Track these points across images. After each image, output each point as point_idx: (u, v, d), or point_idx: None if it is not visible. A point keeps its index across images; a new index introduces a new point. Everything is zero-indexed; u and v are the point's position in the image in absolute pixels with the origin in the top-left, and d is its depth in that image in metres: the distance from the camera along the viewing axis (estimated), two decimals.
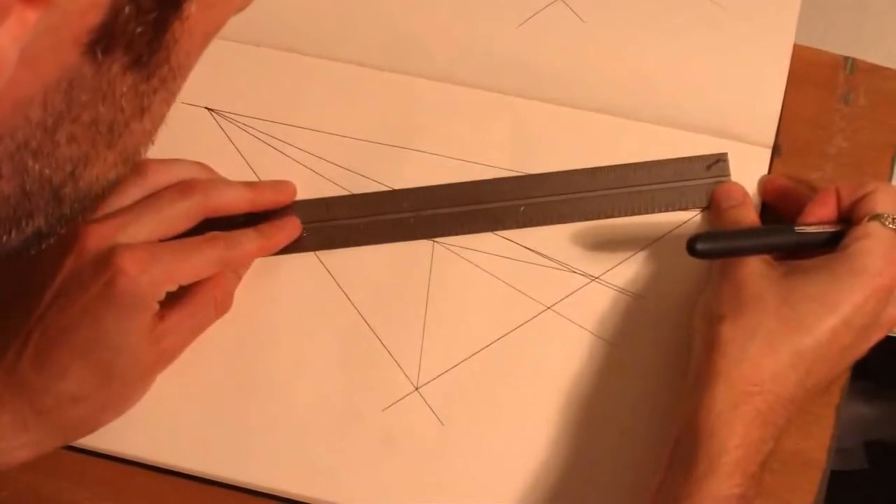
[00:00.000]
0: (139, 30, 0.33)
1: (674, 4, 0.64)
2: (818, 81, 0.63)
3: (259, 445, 0.59)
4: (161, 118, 0.39)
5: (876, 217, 0.54)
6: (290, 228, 0.60)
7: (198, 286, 0.57)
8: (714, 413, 0.52)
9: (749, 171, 0.61)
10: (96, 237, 0.55)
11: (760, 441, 0.52)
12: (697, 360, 0.55)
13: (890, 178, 0.62)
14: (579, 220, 0.61)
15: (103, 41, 0.33)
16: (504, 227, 0.61)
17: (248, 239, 0.58)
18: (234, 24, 0.64)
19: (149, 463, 0.59)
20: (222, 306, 0.59)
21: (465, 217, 0.61)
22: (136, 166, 0.56)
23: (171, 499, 0.59)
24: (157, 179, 0.58)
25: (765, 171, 0.61)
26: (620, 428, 0.58)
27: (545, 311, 0.60)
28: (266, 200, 0.60)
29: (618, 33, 0.63)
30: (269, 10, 0.64)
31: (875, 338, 0.55)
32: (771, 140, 0.62)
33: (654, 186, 0.61)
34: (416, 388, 0.59)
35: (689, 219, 0.61)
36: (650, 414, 0.58)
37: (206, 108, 0.63)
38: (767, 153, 0.62)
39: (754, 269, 0.55)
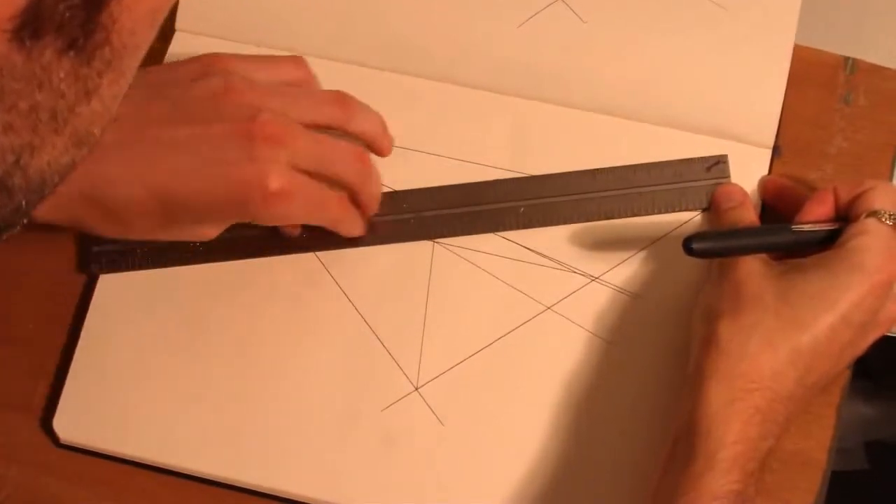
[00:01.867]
0: (68, 13, 0.32)
1: (674, 5, 0.63)
2: (818, 82, 0.63)
3: (259, 445, 0.59)
4: (114, 97, 0.38)
5: (873, 213, 0.54)
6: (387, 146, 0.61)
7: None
8: (711, 410, 0.52)
9: (749, 171, 0.61)
10: (242, 93, 0.56)
11: (759, 438, 0.52)
12: (696, 359, 0.55)
13: (890, 178, 0.62)
14: (579, 221, 0.61)
15: (29, 27, 0.32)
16: (504, 229, 0.61)
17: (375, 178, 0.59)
18: (235, 24, 0.64)
19: (149, 463, 0.59)
20: (345, 213, 0.59)
21: (465, 218, 0.61)
22: (273, 59, 0.60)
23: (171, 499, 0.59)
24: (291, 72, 0.60)
25: (765, 171, 0.61)
26: (620, 428, 0.58)
27: (545, 311, 0.60)
28: (386, 149, 0.61)
29: (618, 33, 0.63)
30: (269, 10, 0.64)
31: (874, 335, 0.55)
32: (771, 140, 0.62)
33: (654, 188, 0.61)
34: (416, 388, 0.59)
35: (690, 219, 0.61)
36: (650, 414, 0.58)
37: None
38: (767, 153, 0.62)
39: (752, 268, 0.55)
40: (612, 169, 0.61)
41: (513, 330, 0.60)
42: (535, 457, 0.58)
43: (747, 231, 0.58)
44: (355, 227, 0.60)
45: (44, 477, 0.60)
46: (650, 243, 0.61)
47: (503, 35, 0.63)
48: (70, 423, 0.59)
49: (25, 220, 0.39)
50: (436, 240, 0.61)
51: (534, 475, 0.58)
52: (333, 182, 0.58)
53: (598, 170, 0.61)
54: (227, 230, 0.59)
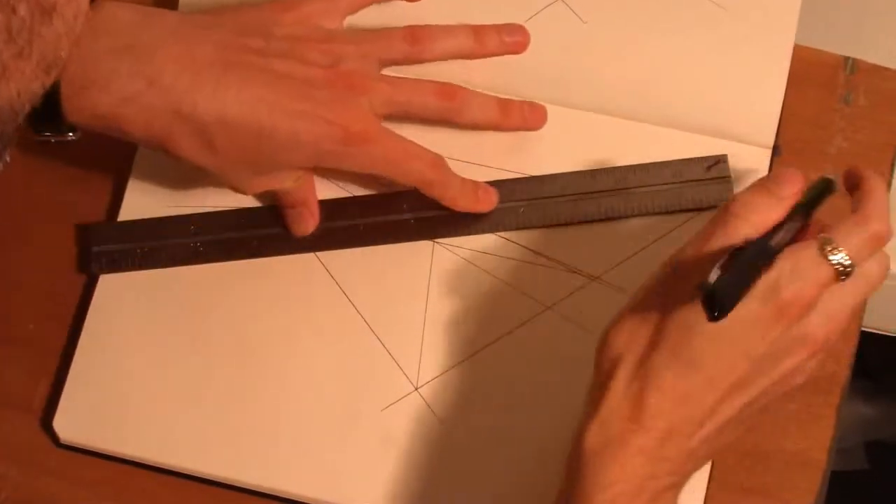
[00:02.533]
0: None
1: (674, 5, 0.64)
2: (818, 82, 0.63)
3: (259, 445, 0.59)
4: (76, 17, 0.37)
5: (823, 241, 0.49)
6: (539, 114, 0.62)
7: None
8: (588, 451, 0.49)
9: (749, 171, 0.61)
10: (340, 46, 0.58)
11: (650, 477, 0.49)
12: (588, 393, 0.52)
13: (890, 178, 0.62)
14: (579, 221, 0.61)
15: None
16: (504, 229, 0.61)
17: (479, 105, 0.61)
18: None
19: (149, 463, 0.59)
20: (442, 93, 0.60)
21: (464, 218, 0.61)
22: None
23: (171, 499, 0.59)
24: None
25: (765, 171, 0.61)
26: None
27: (545, 311, 0.60)
28: (514, 124, 0.61)
29: (618, 33, 0.63)
30: None
31: (780, 387, 0.51)
32: (771, 140, 0.62)
33: (654, 188, 0.61)
34: (416, 388, 0.59)
35: (690, 219, 0.61)
36: None
37: None
38: (767, 153, 0.62)
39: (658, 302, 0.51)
40: (611, 169, 0.61)
41: (513, 330, 0.60)
42: (534, 457, 0.58)
43: (747, 269, 0.49)
44: (449, 191, 0.60)
45: (44, 477, 0.60)
46: (650, 243, 0.61)
47: None
48: (70, 423, 0.59)
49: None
50: (436, 239, 0.61)
51: (533, 475, 0.58)
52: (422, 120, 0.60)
53: (597, 170, 0.61)
54: (232, 229, 0.59)
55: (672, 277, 0.51)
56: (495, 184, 0.61)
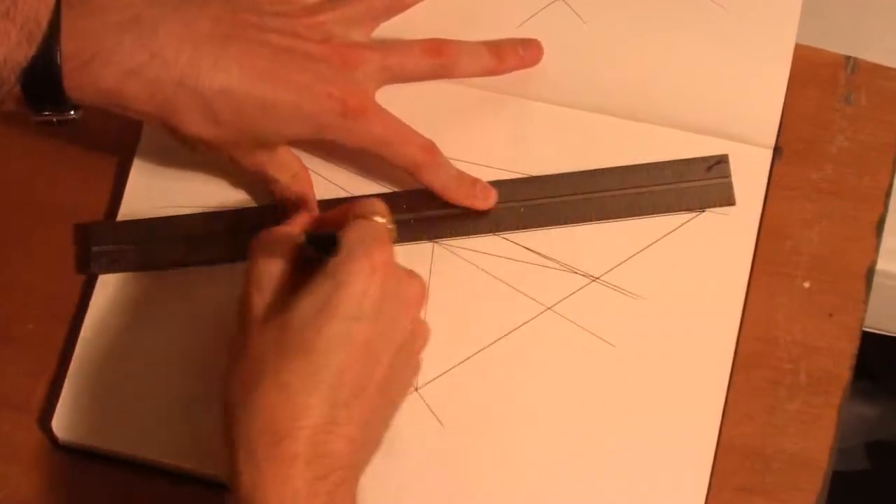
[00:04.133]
0: None
1: (674, 4, 0.63)
2: (819, 81, 0.63)
3: None
4: None
5: (362, 217, 0.53)
6: (534, 50, 0.62)
7: None
8: (246, 482, 0.48)
9: (750, 171, 0.61)
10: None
11: (316, 479, 0.48)
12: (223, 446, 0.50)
13: (891, 178, 0.62)
14: (579, 221, 0.61)
15: None
16: (504, 229, 0.61)
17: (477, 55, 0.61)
18: None
19: (149, 463, 0.59)
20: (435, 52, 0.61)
21: (464, 218, 0.61)
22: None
23: (172, 499, 0.59)
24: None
25: (766, 171, 0.61)
26: (620, 428, 0.58)
27: (545, 311, 0.60)
28: (511, 65, 0.62)
29: (618, 33, 0.63)
30: None
31: (407, 357, 0.53)
32: (772, 140, 0.62)
33: (654, 188, 0.61)
34: (416, 389, 0.59)
35: (690, 219, 0.61)
36: (649, 413, 0.58)
37: None
38: (769, 153, 0.62)
39: (255, 327, 0.51)
40: (611, 169, 0.61)
41: (513, 330, 0.60)
42: (534, 457, 0.58)
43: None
44: (439, 177, 0.60)
45: (42, 477, 0.60)
46: (650, 243, 0.61)
47: (503, 34, 0.63)
48: (69, 423, 0.59)
49: None
50: (436, 239, 0.61)
51: (533, 475, 0.58)
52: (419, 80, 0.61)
53: (597, 170, 0.61)
54: (233, 230, 0.59)
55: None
56: (495, 184, 0.61)
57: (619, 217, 0.61)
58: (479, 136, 0.62)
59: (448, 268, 0.61)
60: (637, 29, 0.63)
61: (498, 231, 0.61)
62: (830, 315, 0.60)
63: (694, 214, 0.61)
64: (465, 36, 0.63)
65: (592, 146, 0.62)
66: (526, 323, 0.60)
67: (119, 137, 0.63)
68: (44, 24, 0.42)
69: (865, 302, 0.60)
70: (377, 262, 0.51)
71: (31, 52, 0.40)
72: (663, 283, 0.60)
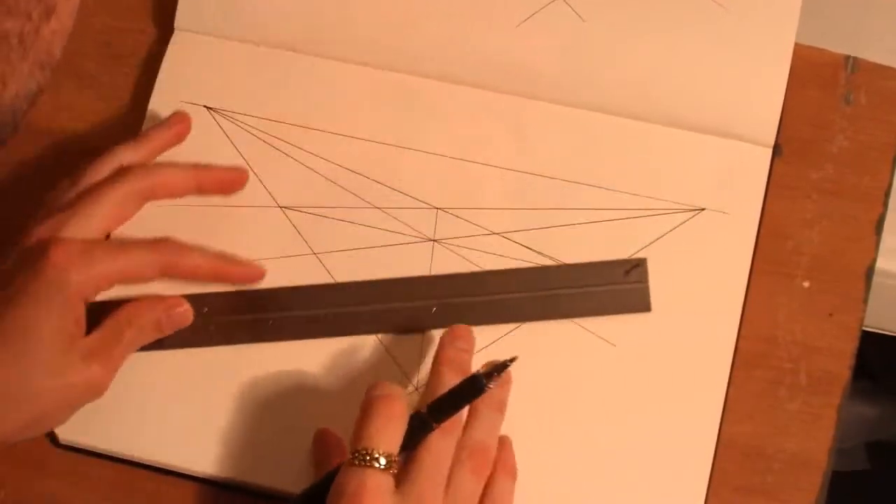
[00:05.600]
0: None
1: (674, 3, 0.63)
2: (819, 81, 0.63)
3: (259, 446, 0.59)
4: (70, 14, 0.38)
5: (353, 453, 0.50)
6: (252, 270, 0.58)
7: (126, 304, 0.55)
8: None
9: (750, 170, 0.61)
10: (36, 237, 0.54)
11: None
12: None
13: (890, 178, 0.62)
14: (492, 322, 0.59)
15: None
16: (418, 329, 0.59)
17: (200, 254, 0.56)
18: (234, 23, 0.64)
19: (149, 463, 0.59)
20: (155, 331, 0.56)
21: (379, 315, 0.59)
22: (74, 169, 0.56)
23: (172, 499, 0.59)
24: (93, 176, 0.56)
25: (766, 170, 0.61)
26: (620, 428, 0.58)
27: (545, 311, 0.60)
28: (214, 180, 0.58)
29: (618, 32, 0.63)
30: (268, 10, 0.64)
31: None
32: (772, 140, 0.62)
33: (571, 290, 0.59)
34: (417, 389, 0.59)
35: (690, 218, 0.61)
36: (649, 414, 0.58)
37: (205, 106, 0.63)
38: (768, 153, 0.62)
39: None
40: (527, 270, 0.60)
41: (513, 330, 0.60)
42: (534, 457, 0.58)
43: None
44: (188, 263, 0.56)
45: (43, 477, 0.59)
46: (650, 242, 0.61)
47: (502, 34, 0.63)
48: (69, 423, 0.59)
49: None
50: (436, 239, 0.61)
51: (533, 475, 0.58)
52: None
53: (512, 270, 0.60)
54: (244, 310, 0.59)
55: None
56: (409, 281, 0.60)
57: (532, 320, 0.59)
58: (478, 136, 0.62)
59: (448, 267, 0.61)
60: (637, 28, 0.63)
61: (412, 331, 0.59)
62: (830, 315, 0.60)
63: (693, 213, 0.61)
64: (463, 35, 0.63)
65: (592, 146, 0.62)
66: (525, 323, 0.60)
67: None
68: (57, 54, 0.42)
69: (865, 302, 0.60)
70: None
71: (44, 79, 0.40)
72: (663, 283, 0.60)
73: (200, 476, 0.59)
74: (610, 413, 0.58)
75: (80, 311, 0.53)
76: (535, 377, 0.59)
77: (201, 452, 0.58)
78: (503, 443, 0.54)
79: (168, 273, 0.55)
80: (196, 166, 0.59)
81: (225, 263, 0.57)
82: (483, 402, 0.52)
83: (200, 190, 0.58)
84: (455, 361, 0.54)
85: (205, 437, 0.59)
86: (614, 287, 0.59)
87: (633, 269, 0.59)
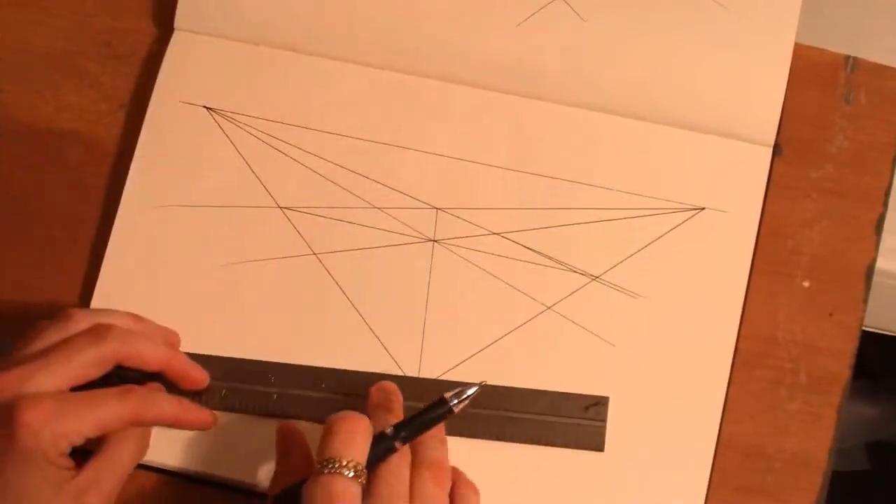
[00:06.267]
0: None
1: (674, 3, 0.63)
2: (819, 81, 0.63)
3: (259, 446, 0.59)
4: None
5: (321, 463, 0.50)
6: (205, 416, 0.58)
7: (113, 435, 0.55)
8: None
9: (750, 170, 0.61)
10: (2, 388, 0.53)
11: None
12: None
13: (890, 178, 0.62)
14: (451, 434, 0.56)
15: None
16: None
17: (167, 402, 0.56)
18: (234, 23, 0.64)
19: (149, 463, 0.59)
20: (139, 453, 0.56)
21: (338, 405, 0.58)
22: (62, 312, 0.56)
23: (172, 499, 0.59)
24: (78, 326, 0.56)
25: (766, 170, 0.61)
26: (620, 427, 0.58)
27: (545, 311, 0.60)
28: (179, 369, 0.58)
29: (618, 32, 0.63)
30: (268, 10, 0.64)
31: None
32: (772, 139, 0.62)
33: (528, 416, 0.58)
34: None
35: (691, 217, 0.61)
36: (649, 413, 0.58)
37: (204, 107, 0.63)
38: (768, 153, 0.62)
39: None
40: (490, 387, 0.59)
41: (513, 330, 0.60)
42: (533, 457, 0.58)
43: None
44: (158, 411, 0.55)
45: None
46: (650, 243, 0.61)
47: (502, 33, 0.63)
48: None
49: None
50: (436, 239, 0.61)
51: (533, 475, 0.58)
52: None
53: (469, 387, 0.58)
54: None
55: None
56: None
57: (486, 438, 0.58)
58: (478, 136, 0.62)
59: (448, 267, 0.61)
60: (637, 28, 0.63)
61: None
62: (830, 314, 0.60)
63: (693, 213, 0.61)
64: (463, 35, 0.63)
65: (592, 146, 0.62)
66: (526, 323, 0.60)
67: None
68: None
69: (865, 302, 0.60)
70: None
71: None
72: (663, 283, 0.60)
73: (200, 476, 0.59)
74: (610, 413, 0.58)
75: (62, 461, 0.52)
76: (535, 377, 0.59)
77: (201, 452, 0.58)
78: (456, 470, 0.54)
79: (135, 423, 0.55)
80: (171, 350, 0.58)
81: (183, 411, 0.57)
82: (425, 435, 0.53)
83: (166, 373, 0.58)
84: (383, 406, 0.55)
85: (204, 437, 0.59)
86: (571, 421, 0.58)
87: (594, 407, 0.58)
